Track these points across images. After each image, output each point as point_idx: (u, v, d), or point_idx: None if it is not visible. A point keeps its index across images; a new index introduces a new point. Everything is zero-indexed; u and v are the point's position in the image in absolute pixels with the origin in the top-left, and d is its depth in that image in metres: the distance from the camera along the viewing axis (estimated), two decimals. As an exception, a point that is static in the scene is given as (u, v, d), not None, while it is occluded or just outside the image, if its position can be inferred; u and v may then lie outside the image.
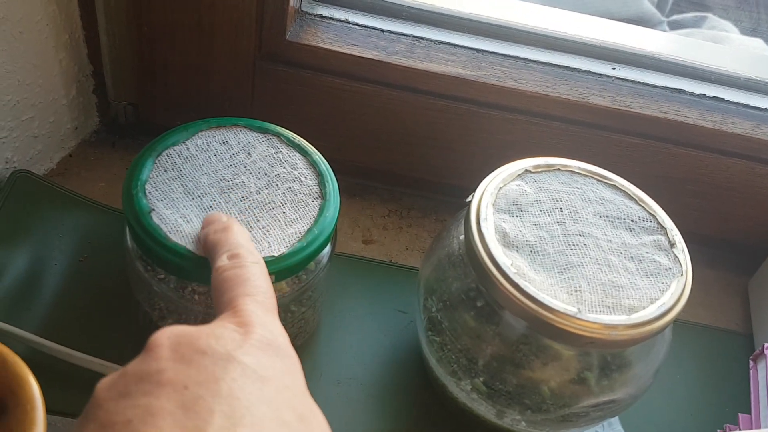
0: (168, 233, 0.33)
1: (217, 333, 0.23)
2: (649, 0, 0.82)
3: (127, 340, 0.40)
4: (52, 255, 0.43)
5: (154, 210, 0.34)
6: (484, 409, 0.36)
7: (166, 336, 0.23)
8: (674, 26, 0.83)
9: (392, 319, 0.45)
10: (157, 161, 0.36)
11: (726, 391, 0.45)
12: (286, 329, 0.38)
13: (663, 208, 0.36)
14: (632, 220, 0.35)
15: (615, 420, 0.42)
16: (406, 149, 0.48)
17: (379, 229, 0.51)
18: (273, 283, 0.35)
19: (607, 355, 0.35)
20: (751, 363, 0.42)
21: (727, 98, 0.46)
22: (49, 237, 0.43)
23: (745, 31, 0.76)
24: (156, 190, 0.35)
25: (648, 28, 0.60)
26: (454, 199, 0.53)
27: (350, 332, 0.43)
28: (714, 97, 0.46)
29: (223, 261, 0.28)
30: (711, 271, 0.52)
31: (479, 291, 0.35)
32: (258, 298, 0.26)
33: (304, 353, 0.42)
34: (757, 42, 0.76)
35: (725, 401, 0.44)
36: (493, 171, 0.37)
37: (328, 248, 0.38)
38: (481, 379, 0.35)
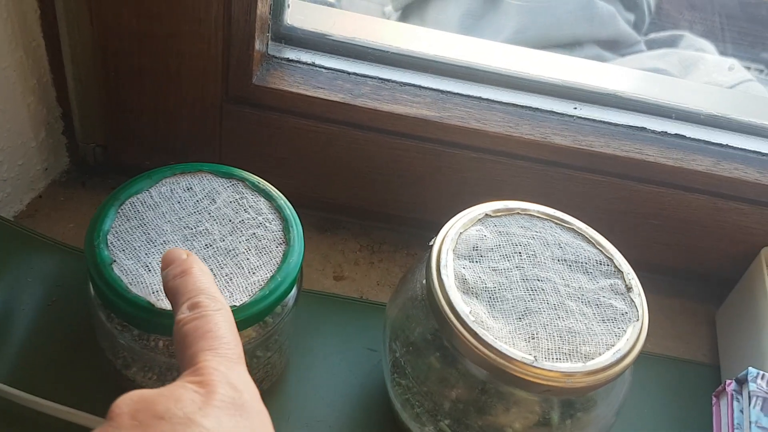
0: (129, 285, 0.33)
1: (177, 395, 0.23)
2: (625, 21, 0.83)
3: (96, 387, 0.40)
4: (20, 299, 0.43)
5: (115, 261, 0.34)
6: (449, 453, 0.37)
7: (126, 403, 0.23)
8: (651, 45, 0.84)
9: (362, 358, 0.45)
10: (120, 210, 0.36)
11: (693, 425, 0.45)
12: (252, 375, 0.38)
13: (627, 243, 0.37)
14: (590, 264, 0.36)
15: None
16: (375, 186, 0.49)
17: (350, 265, 0.51)
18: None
19: (569, 398, 0.35)
20: (714, 399, 0.43)
21: (688, 135, 0.47)
22: (17, 281, 0.43)
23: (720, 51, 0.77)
24: (118, 240, 0.35)
25: (609, 65, 0.62)
26: (425, 232, 0.53)
27: (319, 373, 0.43)
28: (675, 134, 0.47)
29: (183, 312, 0.27)
30: (678, 300, 0.53)
31: (441, 336, 0.35)
32: (221, 351, 0.26)
33: (271, 396, 0.42)
34: (731, 61, 0.77)
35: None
36: (460, 206, 0.37)
37: (294, 291, 0.38)
38: (447, 422, 0.36)
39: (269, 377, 0.41)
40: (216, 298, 0.28)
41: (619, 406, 0.36)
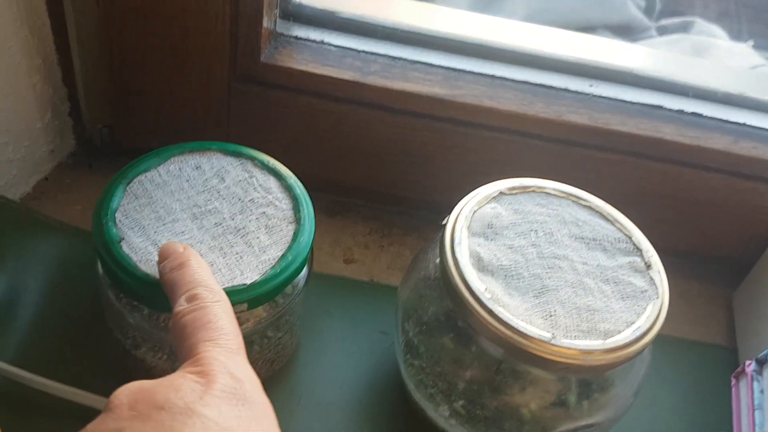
0: (138, 263, 0.33)
1: (176, 385, 0.22)
2: (636, 6, 0.82)
3: (102, 368, 0.39)
4: (26, 282, 0.42)
5: (124, 239, 0.33)
6: (463, 435, 0.36)
7: (125, 394, 0.22)
8: (662, 32, 0.83)
9: (373, 341, 0.44)
10: (128, 188, 0.36)
11: (710, 408, 0.44)
12: (264, 355, 0.38)
13: (643, 224, 0.36)
14: (608, 242, 0.35)
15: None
16: (385, 167, 0.48)
17: (360, 248, 0.51)
18: (246, 311, 0.34)
19: (587, 377, 0.34)
20: (733, 380, 0.42)
21: (705, 113, 0.46)
22: (23, 264, 0.43)
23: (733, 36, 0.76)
24: (126, 218, 0.34)
25: (625, 43, 0.60)
26: (436, 216, 0.52)
27: (330, 355, 0.43)
28: (692, 113, 0.46)
29: (181, 304, 0.27)
30: (695, 284, 0.52)
31: (455, 315, 0.34)
32: (220, 341, 0.25)
33: (283, 378, 0.41)
34: (742, 47, 0.76)
35: (709, 418, 0.44)
36: (473, 187, 0.36)
37: (304, 272, 0.37)
38: (460, 403, 0.35)
39: (280, 358, 0.40)
40: (214, 290, 0.28)
41: (638, 386, 0.35)
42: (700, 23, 0.82)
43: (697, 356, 0.47)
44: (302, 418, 0.40)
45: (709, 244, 0.50)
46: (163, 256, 0.30)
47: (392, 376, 0.43)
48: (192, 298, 0.27)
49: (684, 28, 0.83)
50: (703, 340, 0.49)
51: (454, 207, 0.36)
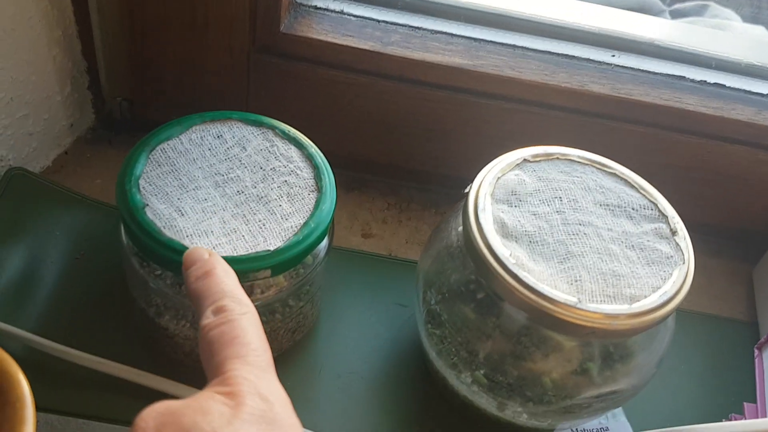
0: (162, 228, 0.33)
1: (204, 407, 0.22)
2: (650, -11, 0.81)
3: (124, 337, 0.40)
4: (48, 253, 0.43)
5: (148, 205, 0.33)
6: (485, 402, 0.36)
7: (152, 416, 0.21)
8: (676, 15, 0.82)
9: (392, 313, 0.44)
10: (150, 156, 0.36)
11: (731, 381, 0.44)
12: (285, 324, 0.39)
13: (665, 197, 0.36)
14: (633, 209, 0.35)
15: (619, 411, 0.41)
16: (403, 140, 0.48)
17: (378, 223, 0.51)
18: (269, 278, 0.35)
19: (609, 345, 0.34)
20: (756, 352, 0.42)
21: (728, 84, 0.46)
22: (45, 235, 0.43)
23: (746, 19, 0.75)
24: (150, 185, 0.35)
25: (646, 15, 0.60)
26: (453, 191, 0.52)
27: (350, 326, 0.43)
28: (715, 83, 0.46)
29: (208, 317, 0.26)
30: (714, 259, 0.52)
31: (478, 283, 0.34)
32: (249, 358, 0.24)
33: (304, 348, 0.41)
34: (759, 30, 0.75)
35: (730, 391, 0.43)
36: (491, 161, 0.36)
37: (325, 242, 0.37)
38: (482, 371, 0.35)
39: (301, 328, 0.40)
40: (241, 301, 0.26)
41: (662, 355, 0.35)
42: (715, 7, 0.81)
43: (718, 330, 0.47)
44: (323, 387, 0.40)
45: (730, 217, 0.49)
46: (188, 264, 0.29)
47: (412, 346, 0.43)
48: (219, 311, 0.26)
49: (697, 11, 0.82)
50: (723, 315, 0.48)
51: (471, 181, 0.35)
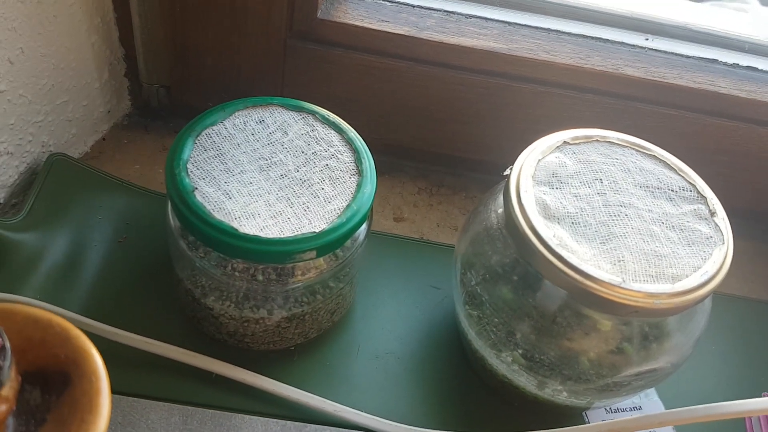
0: (212, 211, 0.33)
1: None
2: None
3: (167, 317, 0.41)
4: (91, 237, 0.43)
5: (197, 189, 0.34)
6: (525, 380, 0.37)
7: None
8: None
9: (427, 295, 0.45)
10: (196, 141, 0.36)
11: (763, 362, 0.45)
12: (326, 305, 0.39)
13: (697, 180, 0.36)
14: (672, 190, 0.35)
15: (651, 390, 0.42)
16: (435, 125, 0.48)
17: (409, 207, 0.51)
18: (314, 258, 0.35)
19: (645, 326, 0.35)
20: (789, 332, 0.42)
21: (760, 67, 0.46)
22: (87, 219, 0.44)
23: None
24: (197, 168, 0.35)
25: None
26: (483, 176, 0.53)
27: (386, 308, 0.44)
28: (747, 66, 0.46)
29: None
30: (746, 243, 0.52)
31: (518, 264, 0.35)
32: None
33: (342, 329, 0.42)
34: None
35: (762, 372, 0.44)
36: (524, 146, 0.37)
37: (365, 225, 0.38)
38: (520, 351, 0.36)
39: (340, 309, 0.41)
40: None
41: (699, 335, 0.36)
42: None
43: (749, 313, 0.47)
44: (361, 366, 0.41)
45: (762, 200, 0.50)
46: None
47: (447, 327, 0.43)
48: None
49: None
50: (753, 297, 0.49)
51: (502, 166, 0.36)
